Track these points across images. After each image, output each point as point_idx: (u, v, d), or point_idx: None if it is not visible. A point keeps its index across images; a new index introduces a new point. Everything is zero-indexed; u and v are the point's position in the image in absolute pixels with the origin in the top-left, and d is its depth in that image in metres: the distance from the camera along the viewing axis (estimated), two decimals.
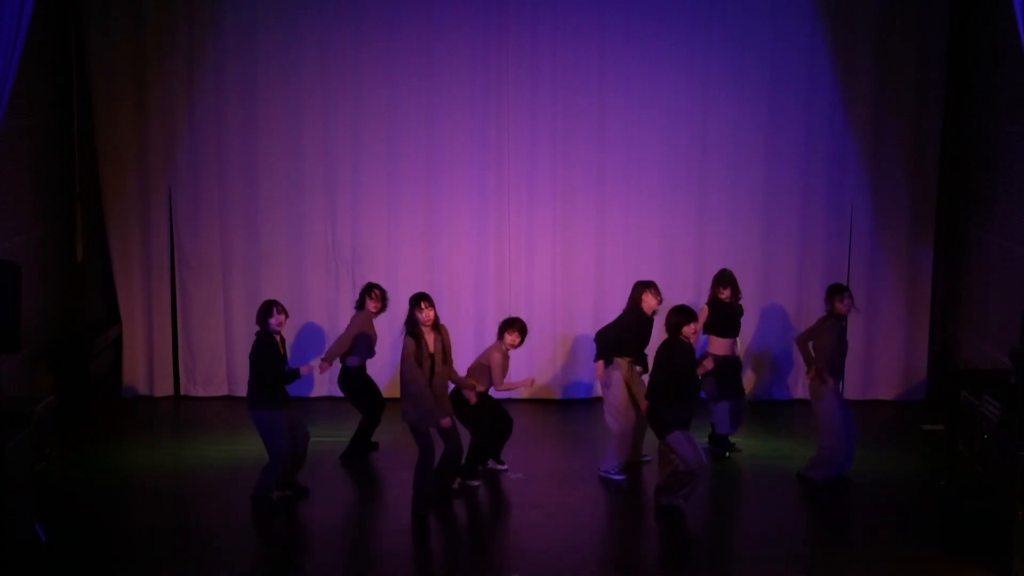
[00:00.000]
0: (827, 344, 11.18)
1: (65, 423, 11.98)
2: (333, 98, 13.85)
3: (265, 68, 13.78)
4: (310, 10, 13.73)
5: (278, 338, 10.84)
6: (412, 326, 10.66)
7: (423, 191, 14.00)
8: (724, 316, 12.27)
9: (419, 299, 10.72)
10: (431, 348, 10.65)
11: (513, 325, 11.46)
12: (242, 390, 14.03)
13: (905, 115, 13.81)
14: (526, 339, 11.57)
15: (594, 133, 13.92)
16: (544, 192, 14.00)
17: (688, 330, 10.54)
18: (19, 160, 12.37)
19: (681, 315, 10.59)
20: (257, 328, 10.85)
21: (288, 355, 11.14)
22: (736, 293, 12.34)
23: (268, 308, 10.81)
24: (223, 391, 14.25)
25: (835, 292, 11.31)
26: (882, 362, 14.14)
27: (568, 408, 14.04)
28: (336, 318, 13.75)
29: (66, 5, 13.54)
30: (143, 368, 14.21)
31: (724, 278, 12.30)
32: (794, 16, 13.72)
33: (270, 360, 10.72)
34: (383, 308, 12.13)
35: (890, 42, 13.70)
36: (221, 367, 14.22)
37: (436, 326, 10.74)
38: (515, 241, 14.03)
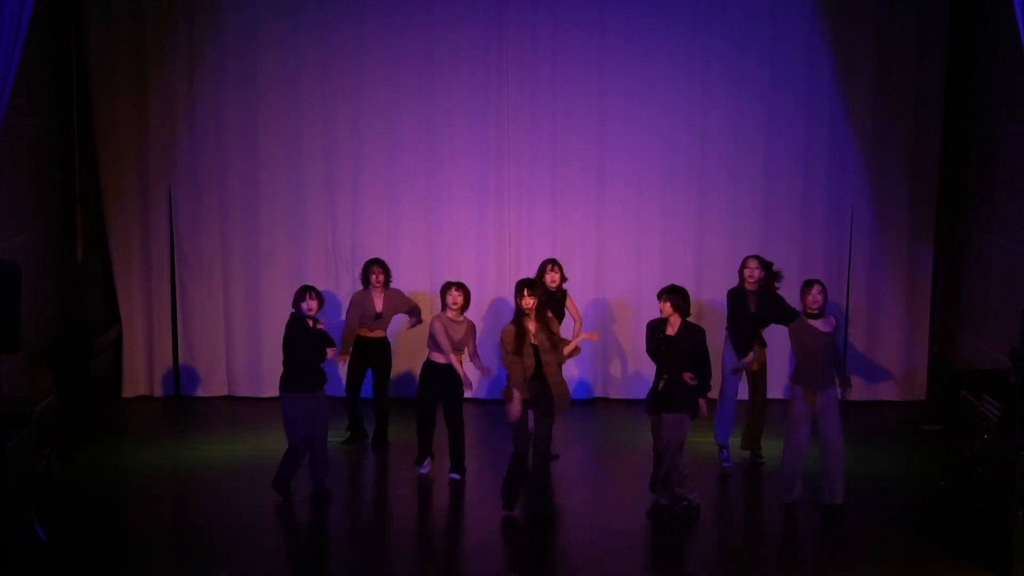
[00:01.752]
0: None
1: (65, 423, 11.98)
2: (333, 98, 13.86)
3: (265, 68, 13.79)
4: (310, 10, 13.73)
5: (311, 323, 10.90)
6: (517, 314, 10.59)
7: (423, 191, 14.01)
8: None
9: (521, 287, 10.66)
10: (533, 338, 10.54)
11: (460, 287, 11.47)
12: (242, 390, 14.16)
13: (905, 115, 13.81)
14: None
15: (594, 133, 13.93)
16: (544, 192, 14.01)
17: (660, 307, 10.62)
18: (19, 160, 12.37)
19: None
20: (292, 311, 10.98)
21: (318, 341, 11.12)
22: (562, 278, 12.04)
23: (301, 292, 10.93)
24: (223, 391, 14.25)
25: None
26: (882, 362, 14.14)
27: (570, 408, 13.98)
28: (336, 318, 13.74)
29: (66, 5, 13.54)
30: (143, 368, 14.20)
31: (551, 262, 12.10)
32: (794, 16, 13.73)
33: (294, 342, 10.81)
34: (387, 281, 12.32)
35: (890, 42, 13.70)
36: (221, 367, 14.22)
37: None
38: (515, 240, 14.04)
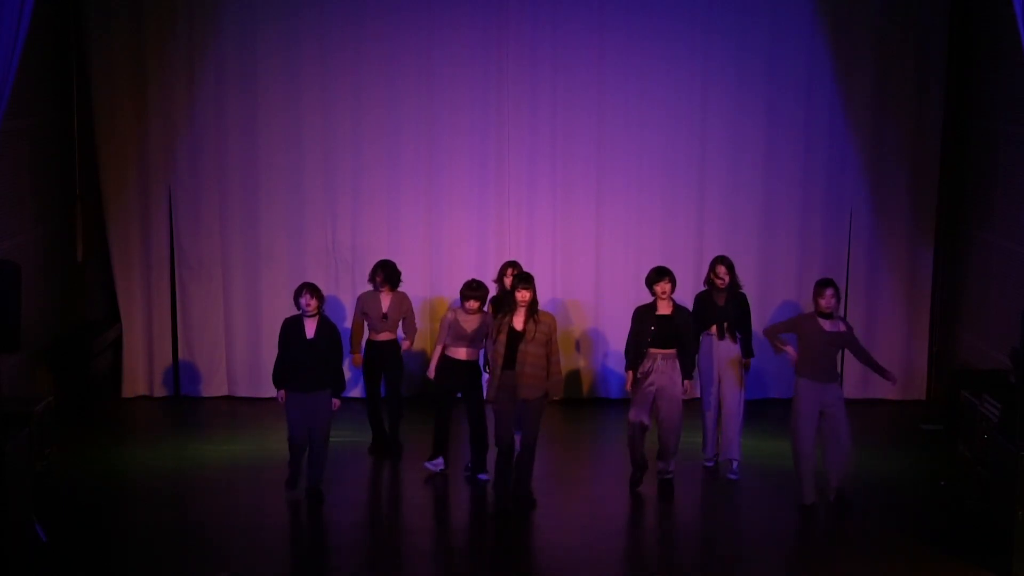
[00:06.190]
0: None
1: (65, 423, 11.98)
2: (333, 98, 13.86)
3: (265, 67, 13.78)
4: (310, 9, 13.73)
5: (314, 320, 10.94)
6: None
7: (423, 190, 14.01)
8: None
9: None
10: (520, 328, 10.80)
11: (480, 289, 11.47)
12: (242, 390, 14.16)
13: (905, 115, 13.82)
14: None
15: (594, 132, 13.93)
16: (544, 191, 14.01)
17: (657, 288, 11.07)
18: (19, 160, 12.37)
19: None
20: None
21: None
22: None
23: (299, 289, 11.02)
24: (223, 391, 14.25)
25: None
26: (882, 362, 14.01)
27: (568, 408, 14.00)
28: (336, 318, 13.73)
29: (66, 5, 13.54)
30: (143, 368, 14.20)
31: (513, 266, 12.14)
32: (794, 16, 13.73)
33: (283, 342, 10.93)
34: (389, 284, 12.19)
35: (890, 42, 13.71)
36: (221, 367, 14.22)
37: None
38: (515, 240, 14.04)
